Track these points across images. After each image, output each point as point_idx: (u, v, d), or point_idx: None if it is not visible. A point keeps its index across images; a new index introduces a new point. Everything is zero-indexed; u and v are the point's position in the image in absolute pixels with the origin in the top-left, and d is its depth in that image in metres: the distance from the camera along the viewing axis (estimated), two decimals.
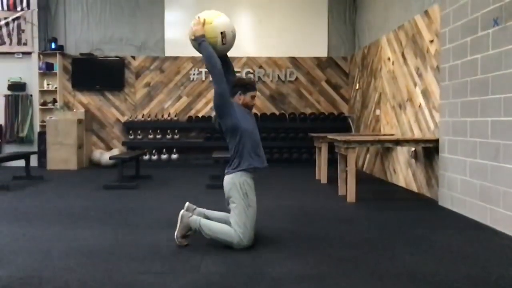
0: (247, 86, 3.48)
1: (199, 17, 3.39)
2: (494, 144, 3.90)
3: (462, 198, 4.46)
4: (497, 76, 3.87)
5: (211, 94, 9.20)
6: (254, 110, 9.02)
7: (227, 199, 3.35)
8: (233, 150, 3.36)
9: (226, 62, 3.55)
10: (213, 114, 3.55)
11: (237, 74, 4.07)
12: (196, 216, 3.38)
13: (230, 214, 3.31)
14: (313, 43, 9.31)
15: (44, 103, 9.06)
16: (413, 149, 5.80)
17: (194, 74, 9.27)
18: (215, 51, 3.32)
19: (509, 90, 3.70)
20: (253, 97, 3.48)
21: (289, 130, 9.08)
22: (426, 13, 5.55)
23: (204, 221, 3.32)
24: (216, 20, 3.38)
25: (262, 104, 9.33)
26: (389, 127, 6.88)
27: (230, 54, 3.59)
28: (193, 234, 3.35)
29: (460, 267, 2.91)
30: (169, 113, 9.27)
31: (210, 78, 9.08)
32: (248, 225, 3.25)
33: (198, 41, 3.34)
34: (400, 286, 2.57)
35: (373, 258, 3.09)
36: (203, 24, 3.35)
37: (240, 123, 3.32)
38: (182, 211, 3.40)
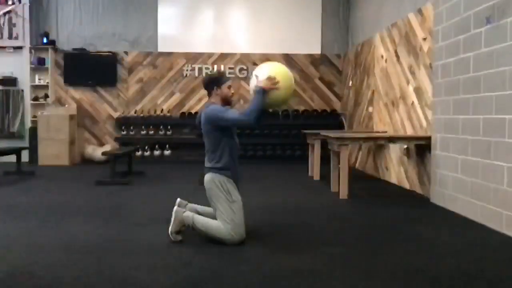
0: (219, 78, 3.46)
1: (275, 76, 3.24)
2: (486, 141, 3.93)
3: (453, 195, 4.49)
4: (489, 74, 3.90)
5: (204, 90, 9.06)
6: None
7: (209, 198, 3.35)
8: (211, 150, 3.36)
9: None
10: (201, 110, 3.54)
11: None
12: (189, 212, 3.38)
13: (216, 213, 3.30)
14: (307, 40, 9.32)
15: (35, 98, 8.98)
16: (405, 146, 5.83)
17: (187, 70, 9.23)
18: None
19: (501, 88, 3.72)
20: (229, 87, 3.46)
21: (282, 127, 9.08)
22: (419, 11, 5.57)
23: (197, 217, 3.31)
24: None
25: None
26: (381, 125, 6.90)
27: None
28: (185, 229, 3.35)
29: (451, 263, 2.93)
30: (162, 109, 9.24)
31: (204, 74, 9.15)
32: (237, 221, 3.24)
33: (258, 90, 3.22)
34: (392, 282, 2.58)
35: (365, 254, 3.10)
36: (276, 83, 3.23)
37: (225, 137, 3.34)
38: (175, 207, 3.40)
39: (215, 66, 9.14)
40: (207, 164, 3.41)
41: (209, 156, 3.39)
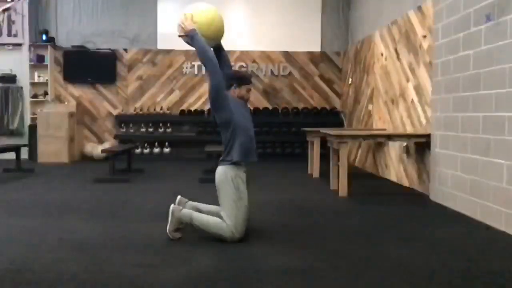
0: (242, 79, 3.49)
1: (185, 14, 3.40)
2: (485, 139, 3.93)
3: (453, 193, 4.50)
4: (489, 72, 3.89)
5: (203, 88, 9.18)
6: None
7: (217, 189, 3.34)
8: (226, 142, 3.37)
9: (222, 55, 3.56)
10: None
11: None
12: (187, 209, 3.37)
13: (221, 207, 3.30)
14: (307, 37, 9.30)
15: (35, 96, 8.97)
16: (405, 144, 5.83)
17: (187, 68, 9.22)
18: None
19: (500, 85, 3.72)
20: (248, 90, 3.49)
21: (282, 125, 9.08)
22: (419, 8, 5.56)
23: (195, 215, 3.31)
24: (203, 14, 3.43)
25: (255, 98, 9.30)
26: (381, 122, 6.90)
27: (224, 47, 3.60)
28: (184, 227, 3.35)
29: (450, 260, 2.93)
30: (162, 107, 9.23)
31: (204, 72, 9.14)
32: (240, 218, 3.24)
33: (190, 35, 3.33)
34: (391, 279, 2.59)
35: (365, 251, 3.10)
36: (191, 19, 3.35)
37: (234, 116, 3.32)
38: (172, 205, 3.38)
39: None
40: (221, 158, 3.41)
41: (224, 147, 3.39)
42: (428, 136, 5.08)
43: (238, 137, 3.32)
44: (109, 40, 9.16)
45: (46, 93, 8.98)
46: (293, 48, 9.32)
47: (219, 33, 3.53)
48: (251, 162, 3.41)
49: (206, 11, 3.44)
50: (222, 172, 3.32)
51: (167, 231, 3.32)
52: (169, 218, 3.33)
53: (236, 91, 3.43)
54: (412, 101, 5.72)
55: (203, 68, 8.99)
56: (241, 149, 3.32)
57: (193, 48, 3.39)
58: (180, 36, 3.44)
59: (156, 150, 9.10)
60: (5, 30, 8.83)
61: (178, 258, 2.93)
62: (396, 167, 6.24)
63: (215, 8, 3.52)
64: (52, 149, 8.28)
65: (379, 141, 6.28)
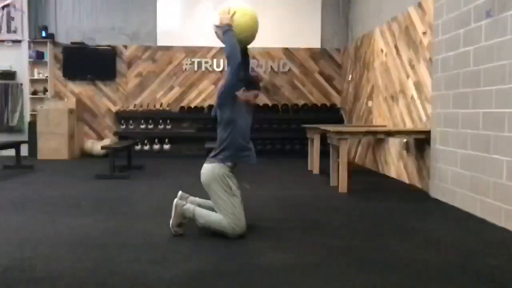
0: (252, 84, 3.50)
1: (229, 7, 3.39)
2: (485, 135, 3.93)
3: (452, 189, 4.50)
4: (489, 68, 3.89)
5: (203, 84, 9.18)
6: None
7: (206, 188, 3.34)
8: (221, 141, 3.37)
9: (245, 59, 3.55)
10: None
11: None
12: (190, 204, 3.38)
13: (215, 206, 3.30)
14: (307, 34, 9.29)
15: (34, 92, 8.96)
16: (404, 140, 5.83)
17: (186, 65, 9.21)
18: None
19: (500, 82, 3.72)
20: (256, 96, 3.51)
21: (281, 121, 9.08)
22: (419, 5, 5.55)
23: (198, 210, 3.32)
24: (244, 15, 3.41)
25: None
26: (381, 119, 6.90)
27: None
28: (186, 222, 3.36)
29: (450, 256, 2.94)
30: (161, 104, 9.22)
31: (204, 69, 9.14)
32: (237, 214, 3.25)
33: (224, 29, 3.33)
34: (390, 275, 2.59)
35: (365, 247, 3.11)
36: (232, 15, 3.34)
37: (236, 118, 3.33)
38: (176, 200, 3.39)
39: (215, 60, 9.13)
40: (212, 154, 3.40)
41: (218, 144, 3.38)
42: (428, 132, 5.08)
43: (235, 139, 3.33)
44: (109, 36, 9.14)
45: (45, 90, 8.97)
46: (293, 44, 9.31)
47: (247, 42, 3.51)
48: (249, 164, 3.41)
49: (248, 16, 3.41)
50: (209, 170, 3.32)
51: (170, 225, 3.33)
52: (172, 213, 3.33)
53: (244, 94, 3.43)
54: (412, 98, 5.72)
55: (202, 66, 9.11)
56: (237, 151, 3.33)
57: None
58: (215, 26, 3.41)
59: (156, 146, 9.10)
60: (4, 27, 8.81)
61: (178, 254, 2.94)
62: (396, 163, 6.24)
63: (257, 17, 3.48)
64: (52, 145, 8.28)
65: (379, 137, 6.29)
